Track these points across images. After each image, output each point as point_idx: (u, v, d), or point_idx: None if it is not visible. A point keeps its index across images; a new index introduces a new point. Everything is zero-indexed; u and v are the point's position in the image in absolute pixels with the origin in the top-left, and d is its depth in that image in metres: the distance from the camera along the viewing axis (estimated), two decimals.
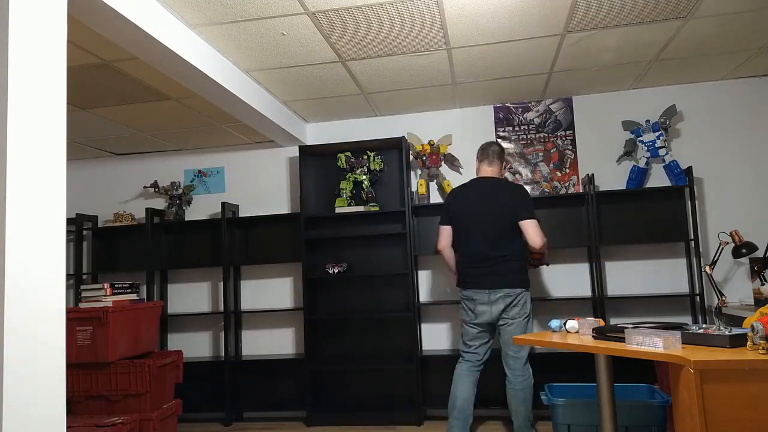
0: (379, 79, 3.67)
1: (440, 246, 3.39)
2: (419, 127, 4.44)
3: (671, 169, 3.93)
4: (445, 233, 3.37)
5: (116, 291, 3.57)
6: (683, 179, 3.90)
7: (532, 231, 3.11)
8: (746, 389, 1.67)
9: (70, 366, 3.37)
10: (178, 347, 4.66)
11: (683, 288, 3.97)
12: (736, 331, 1.91)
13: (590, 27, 3.02)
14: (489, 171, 3.32)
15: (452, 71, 3.59)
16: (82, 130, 4.21)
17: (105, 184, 4.94)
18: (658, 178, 4.05)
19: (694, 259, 3.89)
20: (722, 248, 3.82)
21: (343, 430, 3.94)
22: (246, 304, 4.60)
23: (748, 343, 1.79)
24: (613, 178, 4.13)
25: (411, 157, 4.38)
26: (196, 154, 4.82)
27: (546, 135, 4.25)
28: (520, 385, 3.12)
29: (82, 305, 3.39)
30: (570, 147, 4.21)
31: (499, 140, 4.27)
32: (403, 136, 4.19)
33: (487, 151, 3.34)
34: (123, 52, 2.91)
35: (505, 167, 3.41)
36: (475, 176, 3.38)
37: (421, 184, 4.26)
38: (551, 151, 4.23)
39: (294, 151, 4.61)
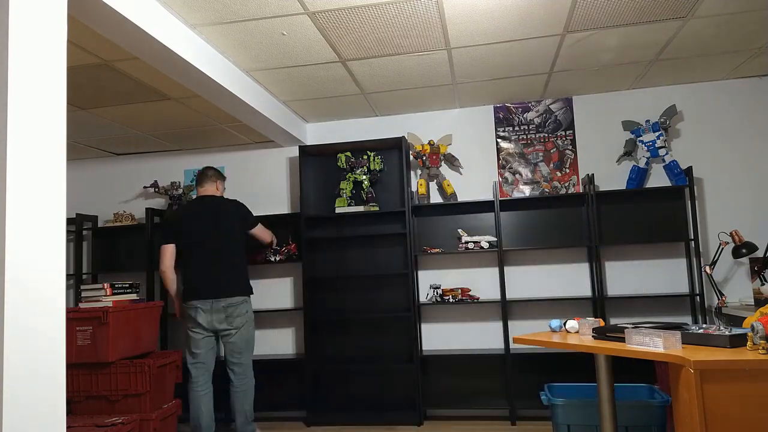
0: (379, 79, 3.67)
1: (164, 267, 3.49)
2: (419, 127, 4.44)
3: (671, 169, 3.93)
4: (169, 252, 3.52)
5: (116, 291, 3.57)
6: (683, 179, 3.90)
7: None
8: (746, 389, 1.67)
9: (70, 366, 3.37)
10: (178, 347, 4.65)
11: (683, 288, 3.97)
12: (736, 331, 1.91)
13: (590, 27, 3.02)
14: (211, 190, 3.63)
15: (452, 71, 3.59)
16: (82, 130, 4.21)
17: (105, 184, 4.94)
18: (658, 178, 4.05)
19: (694, 259, 3.89)
20: (722, 248, 3.82)
21: (343, 430, 3.94)
22: None
23: (748, 343, 1.79)
24: (613, 178, 4.13)
25: (411, 157, 4.38)
26: (196, 154, 4.82)
27: (546, 135, 4.24)
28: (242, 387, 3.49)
29: (82, 305, 3.39)
30: (570, 147, 4.20)
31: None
32: (403, 136, 4.19)
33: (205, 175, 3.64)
34: (123, 52, 2.91)
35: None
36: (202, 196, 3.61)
37: (421, 184, 4.26)
38: (551, 151, 4.23)
39: (294, 151, 4.61)
